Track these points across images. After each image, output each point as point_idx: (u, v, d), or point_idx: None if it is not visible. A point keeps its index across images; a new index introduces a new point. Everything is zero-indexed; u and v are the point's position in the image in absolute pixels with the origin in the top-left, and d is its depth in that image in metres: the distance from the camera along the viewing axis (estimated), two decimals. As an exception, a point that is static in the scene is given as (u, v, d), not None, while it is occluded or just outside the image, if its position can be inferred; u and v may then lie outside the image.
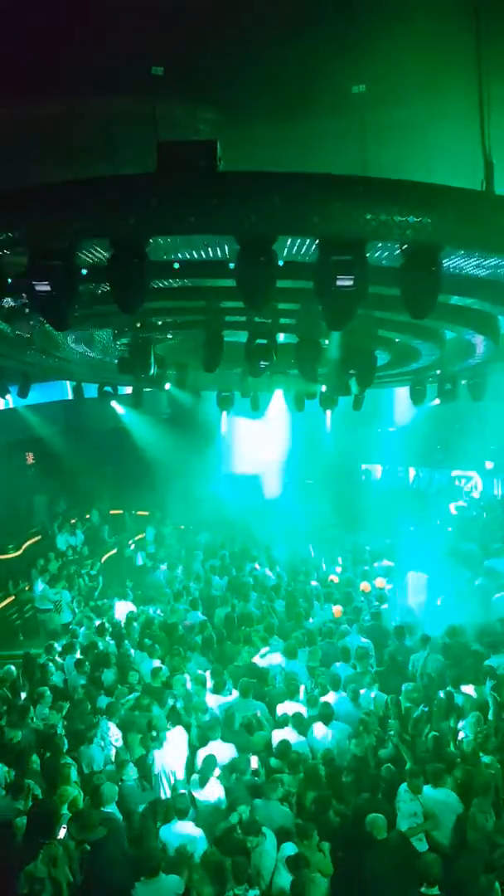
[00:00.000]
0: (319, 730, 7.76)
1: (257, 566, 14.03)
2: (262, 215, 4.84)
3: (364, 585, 12.21)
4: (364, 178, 5.25)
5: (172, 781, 7.29)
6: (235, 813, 6.34)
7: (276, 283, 5.50)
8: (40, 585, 13.14)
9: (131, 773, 7.13)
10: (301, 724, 7.81)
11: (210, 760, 7.04)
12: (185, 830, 6.29)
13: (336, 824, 6.37)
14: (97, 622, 11.37)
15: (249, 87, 7.40)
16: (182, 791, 6.92)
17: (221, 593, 12.52)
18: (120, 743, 7.73)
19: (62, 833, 6.04)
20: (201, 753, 7.27)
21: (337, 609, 11.23)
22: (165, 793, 7.13)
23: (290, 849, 5.87)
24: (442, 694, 8.14)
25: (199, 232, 5.48)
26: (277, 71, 7.12)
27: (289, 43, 6.65)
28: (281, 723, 7.90)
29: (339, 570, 13.83)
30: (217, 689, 8.58)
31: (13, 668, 9.56)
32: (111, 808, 6.47)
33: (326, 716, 7.82)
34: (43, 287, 5.27)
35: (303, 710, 8.05)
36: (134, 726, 7.79)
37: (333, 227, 4.84)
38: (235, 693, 8.55)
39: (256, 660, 9.49)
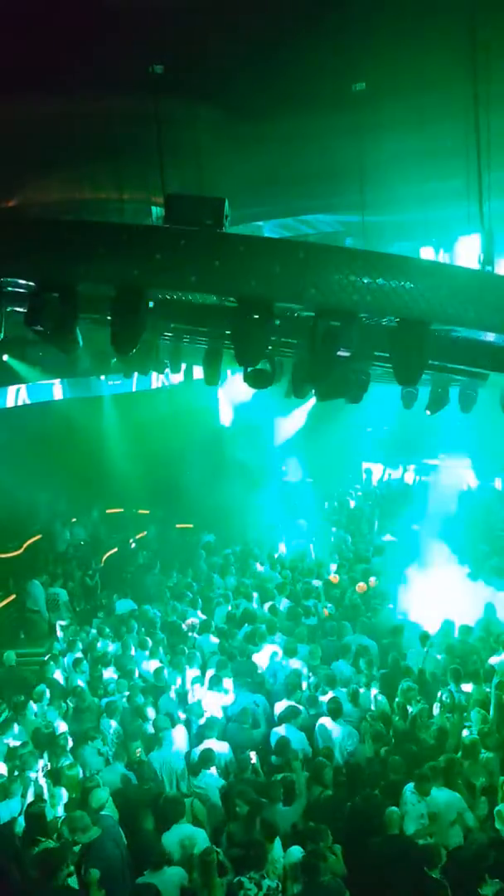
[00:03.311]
0: (321, 727, 7.77)
1: (259, 565, 14.03)
2: (261, 280, 4.87)
3: (360, 586, 12.18)
4: (363, 251, 5.31)
5: (173, 780, 7.31)
6: (237, 810, 6.36)
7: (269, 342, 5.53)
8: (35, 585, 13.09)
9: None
10: (301, 721, 7.82)
11: (209, 757, 7.07)
12: (185, 829, 6.30)
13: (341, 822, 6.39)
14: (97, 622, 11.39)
15: (250, 85, 7.41)
16: (182, 790, 6.96)
17: (223, 591, 12.52)
18: (119, 742, 7.74)
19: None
20: (200, 751, 7.30)
21: (324, 610, 11.28)
22: (166, 791, 7.14)
23: (297, 852, 5.87)
24: (443, 692, 8.14)
25: (198, 290, 5.50)
26: (278, 68, 7.12)
27: (289, 40, 6.65)
28: (280, 720, 7.91)
29: (333, 567, 13.80)
30: (215, 687, 8.59)
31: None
32: (106, 809, 6.48)
33: (334, 711, 7.83)
34: (38, 329, 5.31)
35: (301, 708, 8.07)
36: (133, 726, 7.80)
37: (330, 298, 4.87)
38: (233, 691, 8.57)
39: (259, 657, 9.50)
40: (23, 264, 5.14)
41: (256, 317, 5.14)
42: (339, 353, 5.21)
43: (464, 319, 5.00)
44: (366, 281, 4.79)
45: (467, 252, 9.74)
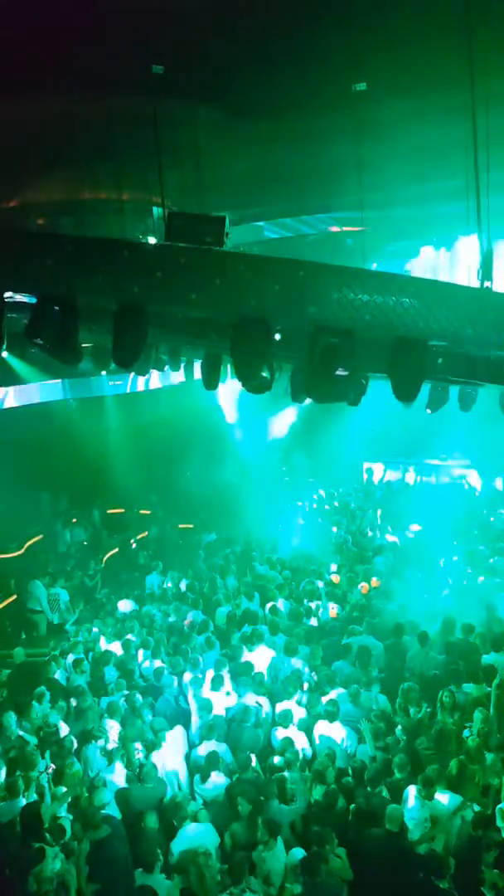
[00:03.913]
0: (322, 728, 7.77)
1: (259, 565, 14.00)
2: (261, 298, 4.89)
3: (362, 586, 12.16)
4: (362, 270, 5.34)
5: (175, 782, 7.32)
6: (242, 811, 6.37)
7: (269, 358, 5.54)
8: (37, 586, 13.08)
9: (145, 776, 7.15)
10: (302, 722, 7.81)
11: (215, 760, 7.07)
12: (190, 831, 6.31)
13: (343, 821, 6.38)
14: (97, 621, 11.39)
15: (250, 85, 7.42)
16: (185, 791, 6.95)
17: (224, 592, 12.50)
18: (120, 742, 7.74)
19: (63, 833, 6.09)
20: (202, 752, 7.30)
21: (332, 611, 11.25)
22: (167, 792, 7.14)
23: (298, 853, 5.87)
24: (444, 693, 8.12)
25: (198, 308, 5.52)
26: (278, 68, 7.13)
27: (289, 41, 6.65)
28: (281, 721, 7.91)
29: (334, 567, 13.77)
30: (216, 687, 8.59)
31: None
32: (108, 810, 6.50)
33: (331, 713, 7.83)
34: (38, 342, 5.33)
35: (301, 709, 8.07)
36: (134, 726, 7.81)
37: (329, 316, 4.88)
38: (234, 692, 8.56)
39: (257, 657, 9.49)
40: (24, 278, 5.15)
41: (255, 333, 5.15)
42: (338, 372, 5.23)
43: (462, 337, 5.01)
44: (364, 299, 4.80)
45: (468, 252, 9.72)
